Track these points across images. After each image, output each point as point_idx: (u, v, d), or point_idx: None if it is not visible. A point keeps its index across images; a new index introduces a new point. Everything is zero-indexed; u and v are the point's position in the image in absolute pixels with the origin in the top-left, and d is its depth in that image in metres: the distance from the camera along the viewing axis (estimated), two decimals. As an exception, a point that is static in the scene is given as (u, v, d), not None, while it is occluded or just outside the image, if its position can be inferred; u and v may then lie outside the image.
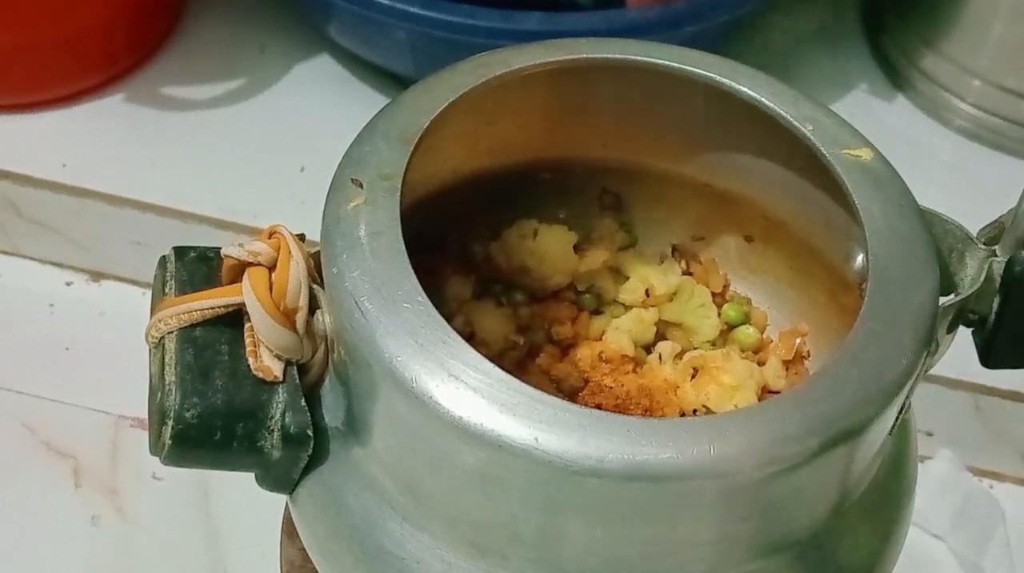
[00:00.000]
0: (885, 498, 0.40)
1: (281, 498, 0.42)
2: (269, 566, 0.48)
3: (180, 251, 0.40)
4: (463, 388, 0.34)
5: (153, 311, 0.39)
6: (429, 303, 0.35)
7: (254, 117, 0.75)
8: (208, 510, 0.64)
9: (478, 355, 0.35)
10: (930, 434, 0.68)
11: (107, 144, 0.73)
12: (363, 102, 0.75)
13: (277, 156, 0.73)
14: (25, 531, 0.63)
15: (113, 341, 0.69)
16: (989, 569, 0.63)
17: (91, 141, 0.73)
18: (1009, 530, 0.65)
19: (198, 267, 0.40)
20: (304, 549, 0.41)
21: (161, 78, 0.76)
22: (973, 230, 0.40)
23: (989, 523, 0.65)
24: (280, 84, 0.77)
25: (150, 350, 0.39)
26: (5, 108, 0.74)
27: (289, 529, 0.45)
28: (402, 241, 0.37)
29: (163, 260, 0.40)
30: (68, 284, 0.73)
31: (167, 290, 0.40)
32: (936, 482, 0.66)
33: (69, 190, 0.71)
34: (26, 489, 0.64)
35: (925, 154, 0.76)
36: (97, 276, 0.73)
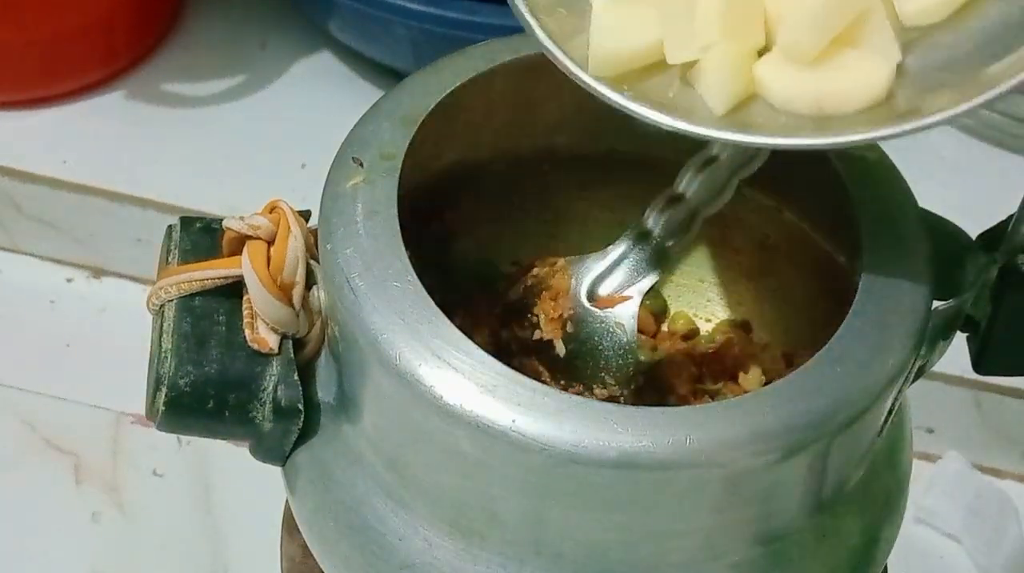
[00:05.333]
0: (876, 496, 0.40)
1: (281, 494, 0.42)
2: (269, 562, 0.48)
3: (186, 221, 0.41)
4: (445, 368, 0.34)
5: (156, 279, 0.40)
6: (418, 282, 0.36)
7: (255, 114, 0.75)
8: (209, 507, 0.64)
9: (462, 336, 0.35)
10: (931, 431, 0.68)
11: (108, 141, 0.73)
12: (364, 99, 0.74)
13: (278, 153, 0.73)
14: (26, 528, 0.63)
15: (114, 338, 0.69)
16: (1002, 567, 0.63)
17: (92, 138, 0.73)
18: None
19: (202, 238, 0.40)
20: (304, 545, 0.42)
21: (162, 75, 0.76)
22: (973, 227, 0.40)
23: (1002, 521, 0.65)
24: (281, 81, 0.77)
25: (152, 317, 0.39)
26: (6, 104, 0.74)
27: (290, 525, 0.45)
28: (397, 221, 0.37)
29: (169, 229, 0.41)
30: (69, 281, 0.73)
31: (170, 259, 0.40)
32: (948, 481, 0.66)
33: (70, 187, 0.71)
34: (27, 486, 0.64)
35: (926, 151, 0.76)
36: (98, 273, 0.73)
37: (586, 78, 0.35)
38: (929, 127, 0.32)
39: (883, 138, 0.33)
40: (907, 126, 0.32)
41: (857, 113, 0.33)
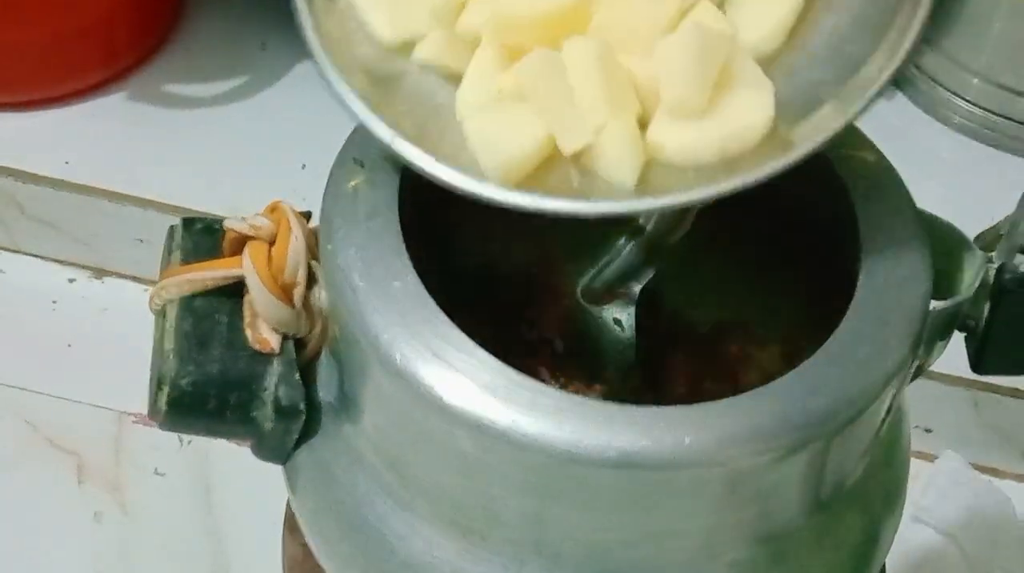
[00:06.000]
0: (874, 495, 0.40)
1: (283, 494, 0.42)
2: (271, 562, 0.48)
3: (188, 222, 0.41)
4: (445, 368, 0.34)
5: (158, 279, 0.40)
6: (419, 282, 0.36)
7: (256, 114, 0.75)
8: (210, 506, 0.64)
9: (463, 336, 0.35)
10: (928, 430, 0.68)
11: (110, 142, 0.73)
12: (364, 100, 0.75)
13: (278, 153, 0.73)
14: (28, 528, 0.63)
15: (116, 338, 0.70)
16: (1000, 566, 0.64)
17: (94, 138, 0.73)
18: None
19: (204, 238, 0.40)
20: (305, 545, 0.42)
21: (163, 76, 0.76)
22: (971, 228, 0.40)
23: (999, 520, 0.65)
24: (281, 82, 0.77)
25: (154, 317, 0.40)
26: (8, 106, 0.74)
27: (291, 525, 0.46)
28: (398, 221, 0.37)
29: (171, 230, 0.41)
30: (71, 281, 0.73)
31: (172, 259, 0.40)
32: (946, 480, 0.66)
33: (72, 187, 0.71)
34: (29, 486, 0.64)
35: (924, 152, 0.76)
36: (100, 273, 0.74)
37: (495, 193, 0.34)
38: (824, 143, 0.34)
39: (796, 161, 0.34)
40: (806, 147, 0.34)
41: (757, 146, 0.34)
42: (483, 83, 0.35)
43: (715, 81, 0.34)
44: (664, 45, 0.34)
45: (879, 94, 0.34)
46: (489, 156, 0.34)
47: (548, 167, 0.35)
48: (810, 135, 0.34)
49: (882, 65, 0.34)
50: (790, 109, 0.35)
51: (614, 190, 0.34)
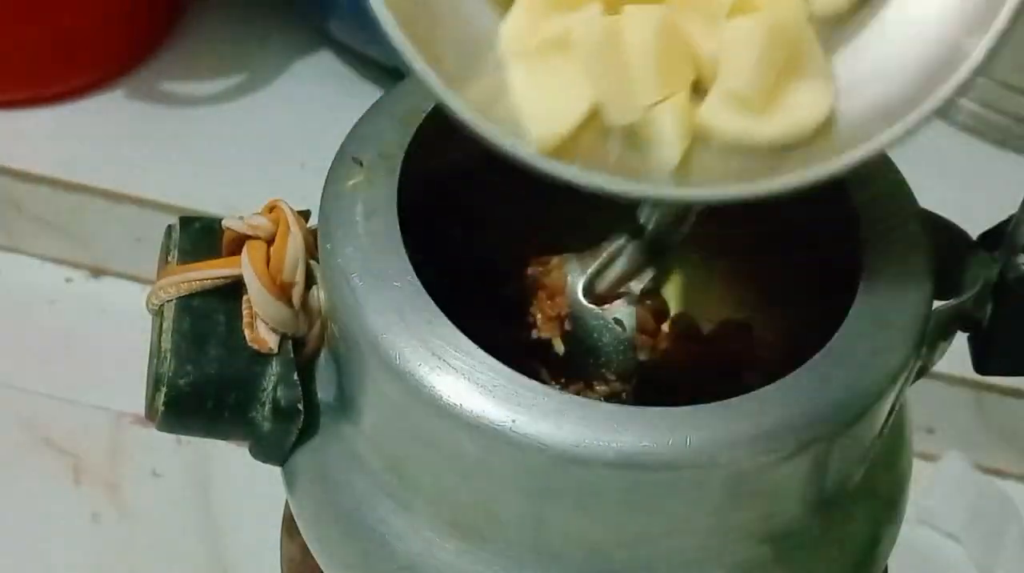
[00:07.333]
0: (877, 496, 0.40)
1: (281, 494, 0.42)
2: (269, 563, 0.48)
3: (185, 221, 0.41)
4: (445, 368, 0.34)
5: (156, 279, 0.40)
6: (418, 282, 0.36)
7: (255, 113, 0.75)
8: (208, 507, 0.64)
9: (462, 336, 0.35)
10: (931, 431, 0.68)
11: (108, 140, 0.73)
12: (364, 99, 0.74)
13: (278, 152, 0.73)
14: (25, 528, 0.63)
15: (113, 337, 0.69)
16: (1003, 567, 0.63)
17: (92, 137, 0.73)
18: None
19: (202, 238, 0.40)
20: (304, 546, 0.42)
21: (161, 74, 0.76)
22: (975, 227, 0.40)
23: (1003, 521, 0.65)
24: (281, 80, 0.77)
25: (152, 317, 0.39)
26: (5, 104, 0.74)
27: (289, 526, 0.45)
28: (397, 221, 0.37)
29: (169, 229, 0.41)
30: (68, 280, 0.73)
31: (170, 259, 0.40)
32: (949, 481, 0.66)
33: (69, 186, 0.71)
34: (26, 486, 0.64)
35: (928, 151, 0.76)
36: (97, 272, 0.74)
37: (537, 159, 0.33)
38: (882, 149, 0.32)
39: (843, 169, 0.32)
40: (857, 155, 0.32)
41: (812, 136, 0.33)
42: (531, 23, 0.33)
43: (777, 75, 0.32)
44: (731, 31, 0.32)
45: (953, 94, 0.31)
46: (535, 122, 0.33)
47: (588, 129, 0.33)
48: (864, 139, 0.32)
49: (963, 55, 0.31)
50: (850, 100, 0.33)
51: (654, 167, 0.33)
